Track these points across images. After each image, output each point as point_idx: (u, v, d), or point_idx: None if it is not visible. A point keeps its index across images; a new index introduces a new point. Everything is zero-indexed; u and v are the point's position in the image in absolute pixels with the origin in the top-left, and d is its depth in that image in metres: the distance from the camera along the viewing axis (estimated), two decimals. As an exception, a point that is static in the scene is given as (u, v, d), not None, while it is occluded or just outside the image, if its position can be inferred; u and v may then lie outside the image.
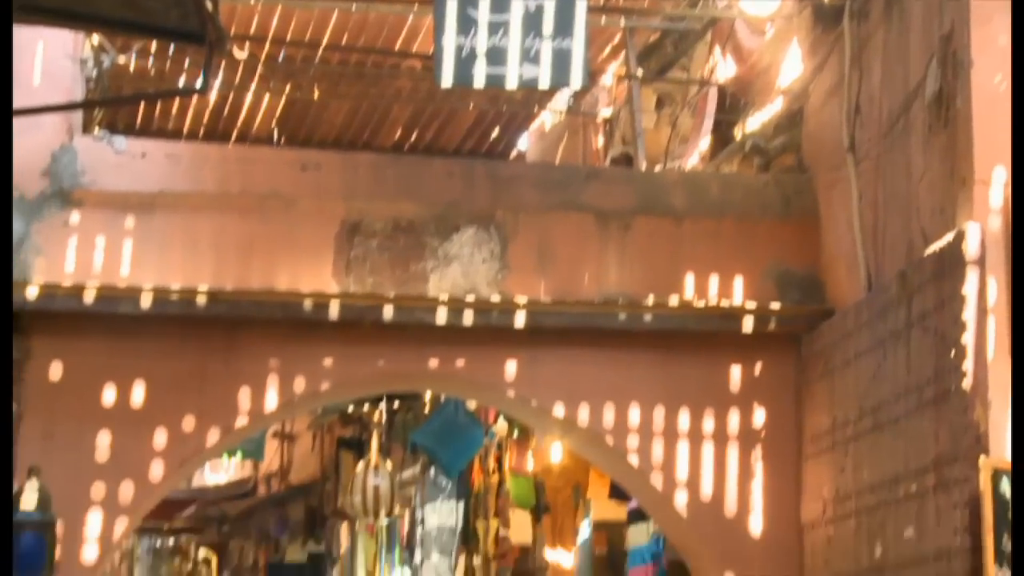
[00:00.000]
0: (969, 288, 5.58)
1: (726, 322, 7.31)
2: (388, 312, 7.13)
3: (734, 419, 7.38)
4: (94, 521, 6.91)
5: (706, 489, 7.33)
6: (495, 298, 7.23)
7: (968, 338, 5.56)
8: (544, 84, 6.85)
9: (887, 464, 6.23)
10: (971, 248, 5.61)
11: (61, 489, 6.53)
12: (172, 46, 9.33)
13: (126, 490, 6.97)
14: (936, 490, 5.73)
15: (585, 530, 9.60)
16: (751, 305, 7.33)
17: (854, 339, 6.69)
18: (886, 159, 6.62)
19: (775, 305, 7.33)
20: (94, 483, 6.94)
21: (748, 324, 7.29)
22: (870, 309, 6.54)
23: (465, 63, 6.65)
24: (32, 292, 6.81)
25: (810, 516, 7.14)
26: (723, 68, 8.73)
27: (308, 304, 7.09)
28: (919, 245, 6.15)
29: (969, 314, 5.56)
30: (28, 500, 6.28)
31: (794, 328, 7.32)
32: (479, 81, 6.75)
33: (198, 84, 5.36)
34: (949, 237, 5.78)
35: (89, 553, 6.89)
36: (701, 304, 7.33)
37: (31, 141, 6.96)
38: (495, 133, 11.48)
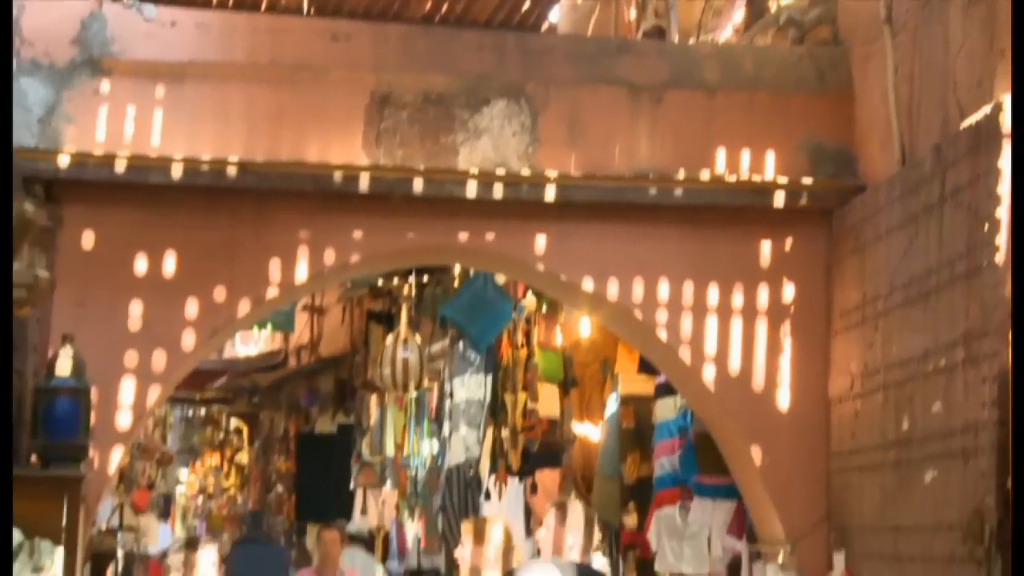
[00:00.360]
0: (1005, 162, 5.51)
1: (757, 197, 7.28)
2: (418, 185, 7.12)
3: (763, 294, 7.38)
4: (127, 389, 6.99)
5: (734, 364, 7.36)
6: (525, 171, 7.20)
7: (1002, 212, 5.50)
8: (577, -48, 6.75)
9: (916, 339, 6.22)
10: (1008, 121, 5.54)
11: (95, 357, 6.60)
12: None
13: (158, 359, 7.05)
14: (965, 364, 5.73)
15: (613, 404, 9.64)
16: (783, 180, 7.28)
17: (886, 214, 6.65)
18: (923, 31, 6.51)
19: (807, 180, 7.28)
20: (127, 351, 7.01)
21: (779, 199, 7.26)
22: (903, 184, 6.48)
23: (497, -70, 6.56)
24: (64, 160, 6.82)
25: (838, 391, 7.16)
26: (759, -62, 8.58)
27: (338, 176, 7.08)
28: (955, 119, 6.07)
29: (1004, 188, 5.50)
30: (63, 367, 6.35)
31: (826, 203, 7.28)
32: (511, -52, 6.65)
33: (227, -50, 5.32)
34: (986, 110, 5.71)
35: (123, 420, 6.99)
36: (732, 179, 7.29)
37: (60, 8, 6.94)
38: (526, 5, 11.29)
